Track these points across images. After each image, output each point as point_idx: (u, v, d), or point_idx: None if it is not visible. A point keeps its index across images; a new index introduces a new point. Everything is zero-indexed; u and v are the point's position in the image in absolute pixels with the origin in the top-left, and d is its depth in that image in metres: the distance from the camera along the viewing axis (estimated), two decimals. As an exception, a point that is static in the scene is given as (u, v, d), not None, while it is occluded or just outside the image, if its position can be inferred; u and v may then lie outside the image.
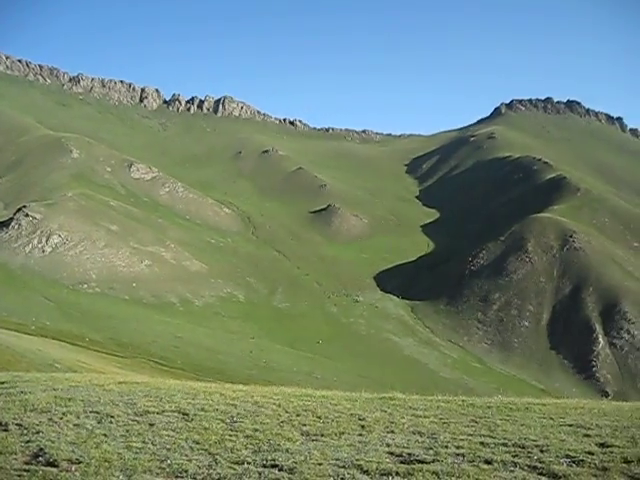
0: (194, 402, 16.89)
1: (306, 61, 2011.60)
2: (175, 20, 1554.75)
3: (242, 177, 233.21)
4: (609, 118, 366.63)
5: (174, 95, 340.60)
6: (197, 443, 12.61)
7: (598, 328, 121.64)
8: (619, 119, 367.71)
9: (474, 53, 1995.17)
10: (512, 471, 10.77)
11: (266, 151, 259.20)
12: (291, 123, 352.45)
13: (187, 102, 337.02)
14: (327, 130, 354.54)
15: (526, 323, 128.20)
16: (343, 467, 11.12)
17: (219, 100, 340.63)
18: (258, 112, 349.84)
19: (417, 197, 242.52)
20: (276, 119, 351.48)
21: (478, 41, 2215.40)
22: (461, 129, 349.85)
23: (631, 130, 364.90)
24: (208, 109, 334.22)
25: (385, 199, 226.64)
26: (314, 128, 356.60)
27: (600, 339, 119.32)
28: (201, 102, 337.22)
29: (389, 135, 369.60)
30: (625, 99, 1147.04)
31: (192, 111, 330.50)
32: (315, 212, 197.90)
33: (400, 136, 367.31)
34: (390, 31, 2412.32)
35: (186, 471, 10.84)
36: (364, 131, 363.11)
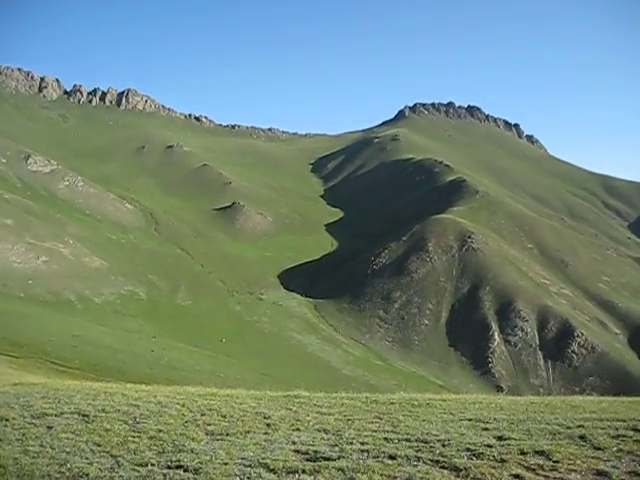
0: (94, 403, 16.47)
1: (212, 57, 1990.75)
2: (77, 7, 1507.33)
3: (145, 172, 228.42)
4: (507, 124, 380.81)
5: (75, 86, 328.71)
6: (98, 445, 12.30)
7: (494, 326, 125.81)
8: (516, 125, 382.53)
9: (380, 56, 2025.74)
10: (415, 465, 11.03)
11: (170, 146, 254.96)
12: (196, 119, 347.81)
13: (89, 94, 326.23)
14: (233, 127, 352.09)
15: (426, 321, 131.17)
16: (249, 466, 11.10)
17: (122, 93, 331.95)
18: (163, 106, 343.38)
19: (322, 196, 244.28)
20: (181, 114, 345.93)
21: (383, 44, 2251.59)
22: (366, 130, 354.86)
23: (527, 136, 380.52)
24: (111, 102, 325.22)
25: (290, 198, 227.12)
26: (220, 125, 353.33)
27: (496, 336, 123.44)
28: (104, 94, 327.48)
29: (295, 134, 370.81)
30: (522, 106, 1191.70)
31: (94, 103, 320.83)
32: (220, 209, 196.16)
33: (306, 135, 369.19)
34: (297, 31, 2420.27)
35: (87, 475, 10.56)
36: (270, 129, 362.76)
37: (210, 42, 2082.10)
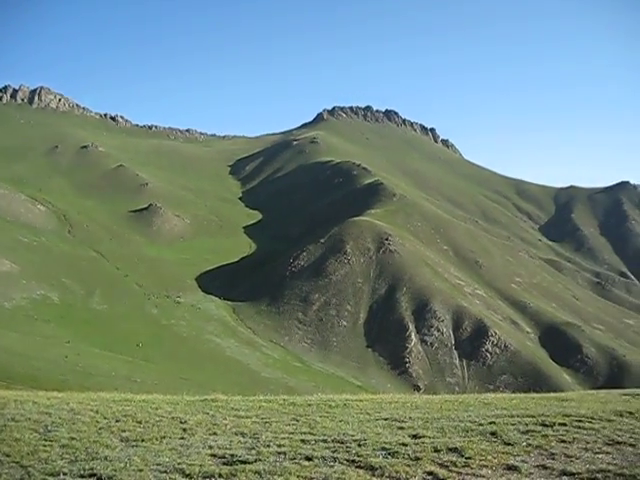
0: (3, 412, 15.92)
1: (129, 55, 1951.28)
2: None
3: (58, 173, 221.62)
4: (423, 128, 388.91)
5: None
6: (7, 456, 11.89)
7: (411, 326, 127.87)
8: (432, 130, 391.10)
9: (298, 58, 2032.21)
10: (332, 466, 11.12)
11: (85, 147, 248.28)
12: (112, 119, 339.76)
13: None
14: (150, 127, 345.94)
15: (344, 322, 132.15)
16: (165, 472, 10.94)
17: (35, 91, 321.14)
18: (77, 105, 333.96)
19: (240, 198, 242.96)
20: (96, 114, 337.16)
21: (301, 46, 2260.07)
22: (285, 133, 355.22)
23: (443, 140, 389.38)
24: (22, 99, 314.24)
25: (208, 200, 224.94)
26: (136, 125, 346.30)
27: (413, 336, 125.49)
28: (15, 91, 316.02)
29: (213, 135, 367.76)
30: (437, 111, 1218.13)
31: (4, 101, 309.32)
32: (136, 211, 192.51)
33: (224, 137, 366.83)
34: (215, 32, 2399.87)
35: (-5, 486, 10.22)
36: (188, 130, 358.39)
37: (126, 40, 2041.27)
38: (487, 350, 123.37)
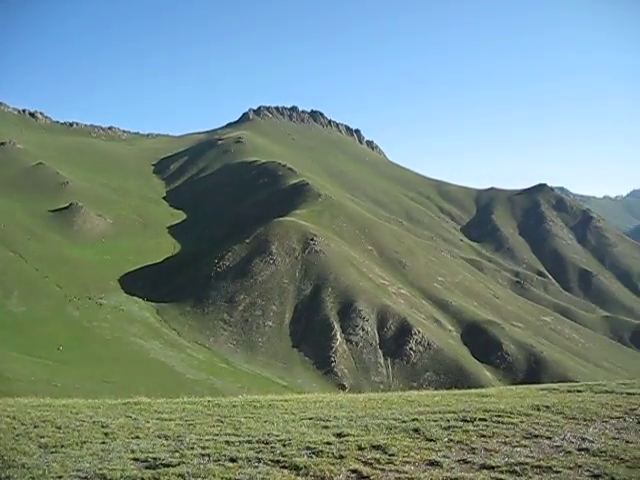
0: None
1: (48, 50, 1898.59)
2: None
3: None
4: (348, 130, 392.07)
5: None
6: None
7: (336, 326, 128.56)
8: (357, 131, 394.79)
9: (224, 58, 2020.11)
10: (256, 467, 11.11)
11: (2, 144, 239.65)
12: (31, 115, 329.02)
13: None
14: (71, 125, 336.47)
15: (270, 323, 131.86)
16: (85, 478, 10.72)
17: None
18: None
19: (164, 198, 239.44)
20: (14, 109, 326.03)
21: (226, 46, 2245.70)
22: (210, 132, 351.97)
23: (367, 142, 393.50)
24: None
25: (131, 199, 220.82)
26: (57, 122, 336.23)
27: (338, 336, 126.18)
28: None
29: (137, 134, 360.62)
30: (362, 113, 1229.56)
31: None
32: (56, 211, 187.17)
33: (148, 135, 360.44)
34: (138, 29, 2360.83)
35: None
36: (110, 128, 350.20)
37: (45, 34, 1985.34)
38: (411, 348, 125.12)
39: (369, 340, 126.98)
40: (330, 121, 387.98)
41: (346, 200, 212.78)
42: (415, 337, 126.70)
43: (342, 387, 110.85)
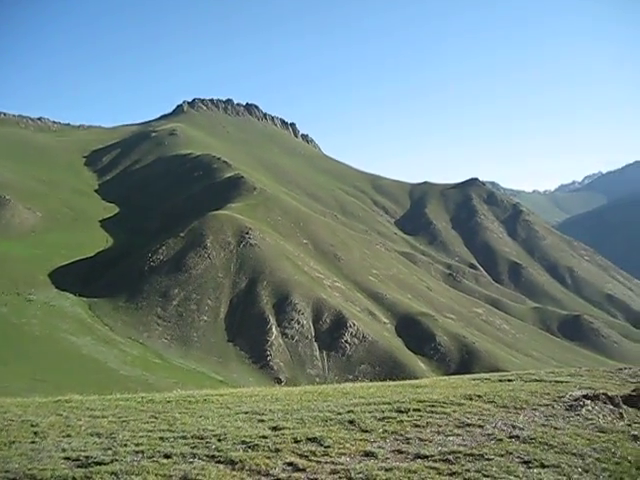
0: None
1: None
2: None
3: None
4: (284, 123, 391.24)
5: None
6: None
7: (272, 319, 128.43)
8: (292, 124, 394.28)
9: (158, 49, 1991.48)
10: (191, 462, 11.00)
11: None
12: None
13: None
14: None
15: (205, 317, 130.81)
16: (14, 479, 10.41)
17: None
18: None
19: (96, 191, 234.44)
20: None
21: (162, 38, 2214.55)
22: (143, 124, 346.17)
23: (302, 135, 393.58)
24: None
25: (62, 192, 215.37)
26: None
27: (274, 330, 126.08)
28: None
29: (67, 125, 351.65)
30: (298, 106, 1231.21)
31: None
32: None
33: (79, 127, 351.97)
34: (67, 18, 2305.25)
35: None
36: (40, 119, 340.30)
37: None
38: (346, 341, 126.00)
39: (305, 333, 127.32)
40: (265, 114, 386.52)
41: (281, 194, 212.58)
42: (350, 330, 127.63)
43: (278, 381, 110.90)
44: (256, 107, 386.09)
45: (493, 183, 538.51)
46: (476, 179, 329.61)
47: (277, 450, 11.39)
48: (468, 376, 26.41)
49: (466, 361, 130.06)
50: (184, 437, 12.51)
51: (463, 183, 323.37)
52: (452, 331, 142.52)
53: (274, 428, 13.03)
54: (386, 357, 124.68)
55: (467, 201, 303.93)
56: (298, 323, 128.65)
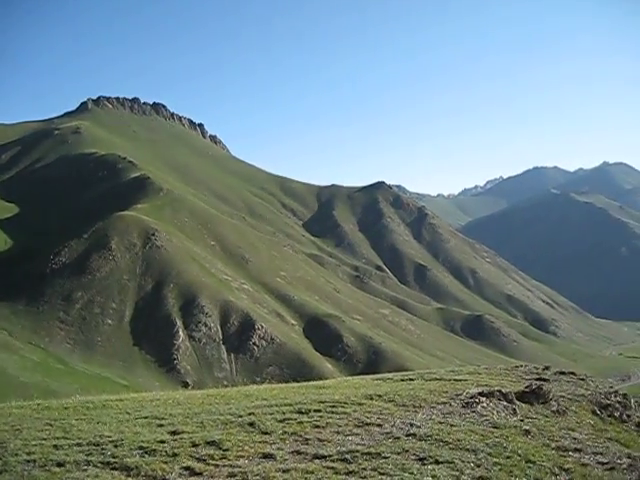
0: None
1: None
2: None
3: None
4: (192, 123, 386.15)
5: None
6: None
7: (179, 322, 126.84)
8: (200, 125, 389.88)
9: (62, 44, 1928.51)
10: (85, 470, 10.76)
11: None
12: None
13: None
14: None
15: (109, 321, 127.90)
16: None
17: None
18: None
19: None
20: None
21: (66, 33, 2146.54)
22: (45, 121, 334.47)
23: (211, 136, 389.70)
24: None
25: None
26: None
27: (180, 333, 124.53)
28: None
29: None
30: (207, 107, 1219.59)
31: None
32: None
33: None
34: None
35: None
36: None
37: None
38: (254, 343, 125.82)
39: (212, 336, 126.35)
40: (173, 114, 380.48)
41: (189, 195, 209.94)
42: (258, 332, 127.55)
43: (185, 384, 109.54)
44: (163, 106, 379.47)
45: (399, 186, 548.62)
46: (383, 182, 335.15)
47: (174, 455, 11.28)
48: (371, 376, 26.76)
49: (373, 361, 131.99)
50: (79, 444, 12.20)
51: (370, 186, 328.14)
52: (359, 332, 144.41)
53: (173, 432, 12.88)
54: (294, 359, 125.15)
55: (374, 204, 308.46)
56: (205, 326, 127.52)
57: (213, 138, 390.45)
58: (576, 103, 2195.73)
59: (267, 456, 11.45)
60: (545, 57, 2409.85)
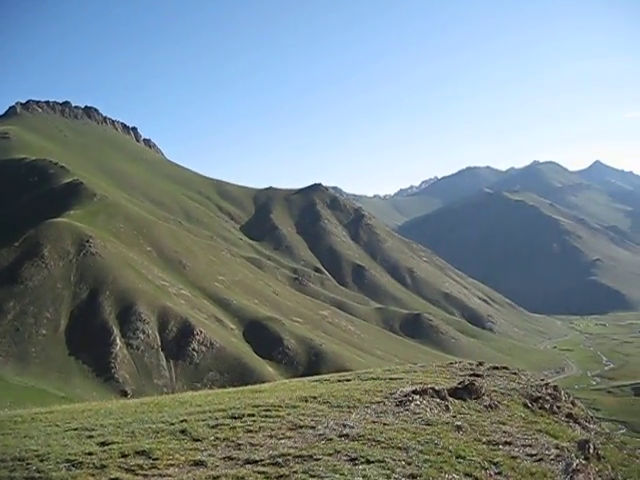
0: None
1: None
2: None
3: None
4: (125, 127, 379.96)
5: None
6: None
7: (115, 330, 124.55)
8: (134, 129, 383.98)
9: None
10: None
11: None
12: None
13: None
14: None
15: (44, 331, 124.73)
16: None
17: None
18: None
19: None
20: None
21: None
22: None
23: (145, 140, 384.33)
24: None
25: None
26: None
27: (118, 341, 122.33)
28: None
29: None
30: (141, 110, 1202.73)
31: None
32: None
33: None
34: None
35: None
36: None
37: None
38: (193, 349, 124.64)
39: (150, 343, 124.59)
40: (106, 118, 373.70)
41: (123, 200, 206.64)
42: (197, 337, 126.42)
43: (124, 393, 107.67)
44: (96, 110, 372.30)
45: (336, 188, 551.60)
46: (320, 184, 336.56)
47: (103, 466, 11.05)
48: (308, 378, 26.79)
49: (314, 363, 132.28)
50: (3, 460, 11.84)
51: (307, 188, 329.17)
52: (299, 334, 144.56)
53: (102, 444, 12.61)
54: (234, 363, 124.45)
55: (311, 206, 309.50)
56: (143, 333, 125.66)
57: (147, 142, 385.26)
58: (507, 104, 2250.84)
59: (198, 463, 11.34)
60: (476, 60, 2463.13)
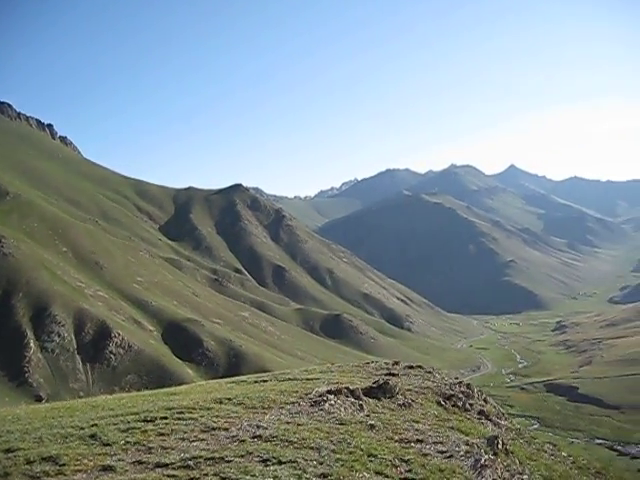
0: None
1: None
2: None
3: None
4: (40, 124, 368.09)
5: None
6: None
7: (29, 333, 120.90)
8: (50, 126, 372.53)
9: None
10: None
11: None
12: None
13: None
14: None
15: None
16: None
17: None
18: None
19: None
20: None
21: None
22: None
23: (61, 137, 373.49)
24: None
25: None
26: None
27: (32, 344, 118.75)
28: None
29: None
30: (58, 107, 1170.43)
31: None
32: None
33: None
34: None
35: None
36: None
37: None
38: (111, 352, 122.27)
39: (66, 346, 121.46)
40: (19, 114, 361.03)
41: (37, 199, 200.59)
42: (115, 340, 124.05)
43: (39, 398, 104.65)
44: (9, 105, 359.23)
45: (257, 189, 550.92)
46: (240, 185, 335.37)
47: (6, 474, 10.84)
48: (226, 379, 26.83)
49: (234, 364, 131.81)
50: None
51: (227, 189, 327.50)
52: (219, 336, 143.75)
53: (7, 450, 12.32)
54: (153, 366, 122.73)
55: (231, 206, 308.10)
56: (59, 336, 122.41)
57: (63, 139, 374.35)
58: (426, 109, 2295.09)
59: (106, 468, 11.27)
60: (398, 66, 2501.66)
